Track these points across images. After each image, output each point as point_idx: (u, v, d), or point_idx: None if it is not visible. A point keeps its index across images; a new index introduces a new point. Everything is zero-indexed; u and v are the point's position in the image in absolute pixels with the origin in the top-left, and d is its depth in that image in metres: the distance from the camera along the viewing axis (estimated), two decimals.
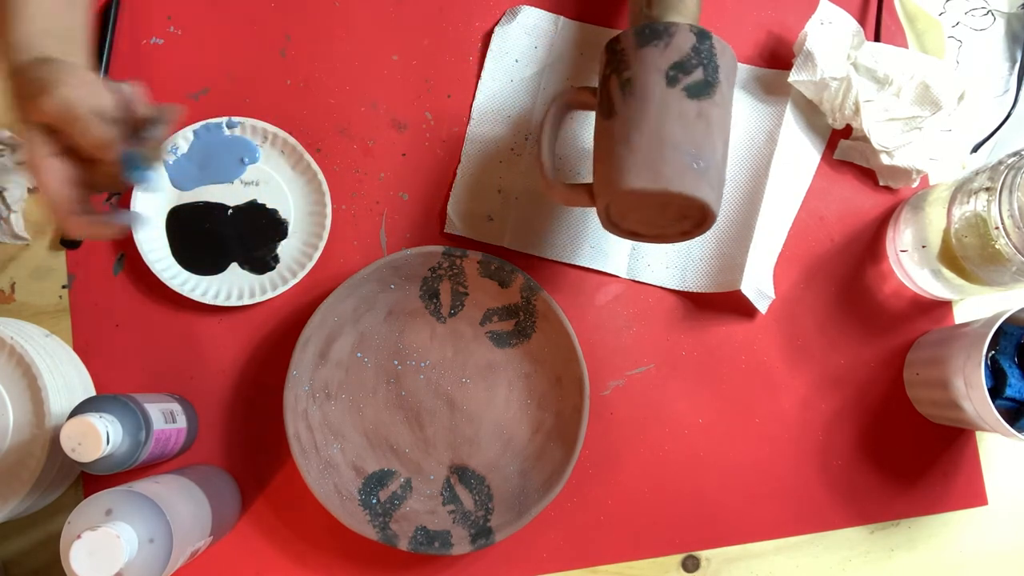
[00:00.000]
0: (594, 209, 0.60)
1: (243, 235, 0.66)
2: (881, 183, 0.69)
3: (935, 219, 0.62)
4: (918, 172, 0.67)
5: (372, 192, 0.68)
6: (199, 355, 0.66)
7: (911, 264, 0.66)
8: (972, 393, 0.59)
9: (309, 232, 0.66)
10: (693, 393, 0.67)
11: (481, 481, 0.65)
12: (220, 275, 0.66)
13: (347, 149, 0.68)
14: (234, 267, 0.66)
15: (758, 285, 0.65)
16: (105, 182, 0.51)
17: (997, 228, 0.56)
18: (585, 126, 0.68)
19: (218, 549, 0.64)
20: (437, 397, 0.66)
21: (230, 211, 0.66)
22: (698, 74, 0.54)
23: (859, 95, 0.65)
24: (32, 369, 0.59)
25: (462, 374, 0.66)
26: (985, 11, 0.71)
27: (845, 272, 0.69)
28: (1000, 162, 0.58)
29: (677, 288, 0.68)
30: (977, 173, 0.59)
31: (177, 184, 0.66)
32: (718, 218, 0.66)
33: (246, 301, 0.65)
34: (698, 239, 0.66)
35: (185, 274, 0.66)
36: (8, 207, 0.65)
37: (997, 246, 0.57)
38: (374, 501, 0.63)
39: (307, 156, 0.66)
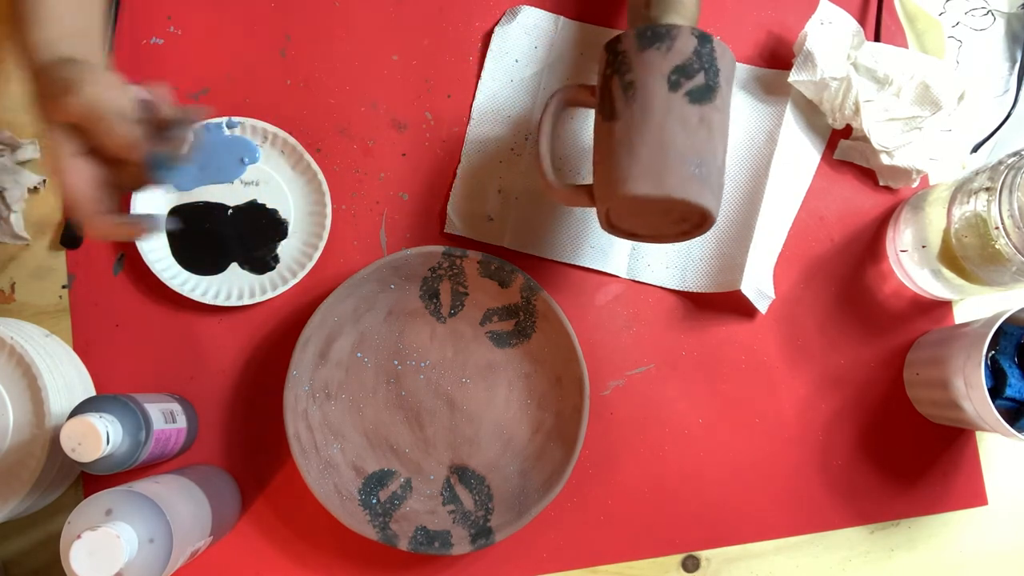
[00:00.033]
0: (594, 209, 0.60)
1: (243, 235, 0.66)
2: (881, 183, 0.69)
3: (935, 219, 0.62)
4: (918, 172, 0.67)
5: (372, 192, 0.68)
6: (199, 355, 0.66)
7: (911, 264, 0.66)
8: (972, 393, 0.59)
9: (309, 232, 0.66)
10: (693, 393, 0.67)
11: (481, 481, 0.65)
12: (220, 275, 0.66)
13: (347, 149, 0.68)
14: (234, 267, 0.66)
15: (758, 285, 0.65)
16: (130, 182, 0.51)
17: (997, 228, 0.56)
18: (586, 124, 0.68)
19: (218, 549, 0.64)
20: (437, 397, 0.66)
21: (230, 211, 0.66)
22: (700, 78, 0.54)
23: (859, 95, 0.65)
24: (32, 369, 0.59)
25: (462, 374, 0.66)
26: (985, 11, 0.71)
27: (845, 272, 0.69)
28: (1000, 162, 0.58)
29: (677, 288, 0.68)
30: (977, 173, 0.59)
31: (177, 184, 0.66)
32: (718, 218, 0.67)
33: (246, 301, 0.65)
34: (698, 239, 0.66)
35: (185, 274, 0.66)
36: (8, 207, 0.65)
37: (997, 246, 0.57)
38: (374, 501, 0.63)
39: (307, 156, 0.66)
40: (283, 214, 0.66)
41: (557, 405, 0.65)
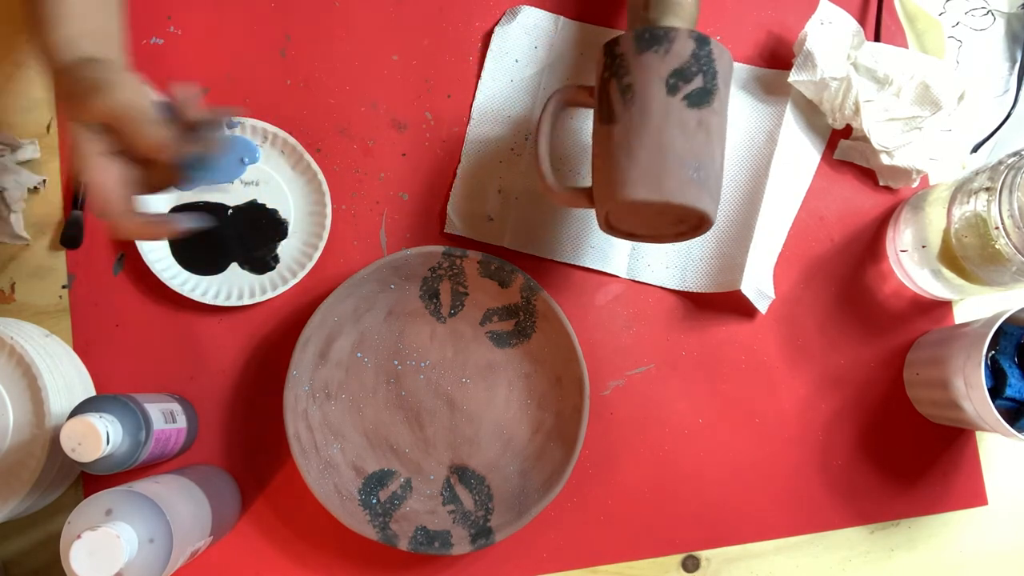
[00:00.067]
0: (593, 210, 0.60)
1: (243, 235, 0.66)
2: (881, 183, 0.69)
3: (935, 219, 0.62)
4: (918, 172, 0.67)
5: (372, 192, 0.68)
6: (199, 355, 0.66)
7: (911, 264, 0.66)
8: (972, 393, 0.59)
9: (309, 232, 0.66)
10: (693, 393, 0.67)
11: (481, 481, 0.65)
12: (220, 275, 0.66)
13: (347, 149, 0.68)
14: (234, 267, 0.66)
15: (758, 285, 0.66)
16: (159, 182, 0.52)
17: (997, 228, 0.56)
18: (586, 123, 0.68)
19: (218, 549, 0.64)
20: (437, 397, 0.66)
21: (230, 211, 0.66)
22: (698, 81, 0.54)
23: (859, 95, 0.65)
24: (32, 369, 0.59)
25: (462, 374, 0.66)
26: (985, 11, 0.71)
27: (845, 272, 0.69)
28: (1000, 162, 0.58)
29: (677, 288, 0.68)
30: (977, 173, 0.59)
31: (177, 184, 0.66)
32: (718, 218, 0.67)
33: (246, 301, 0.65)
34: (698, 239, 0.66)
35: (185, 274, 0.66)
36: (8, 207, 0.65)
37: (997, 246, 0.57)
38: (374, 501, 0.63)
39: (307, 156, 0.66)
40: (283, 214, 0.66)
41: (557, 405, 0.65)
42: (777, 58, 0.70)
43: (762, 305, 0.66)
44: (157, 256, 0.65)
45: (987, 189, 0.57)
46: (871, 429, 0.68)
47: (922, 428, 0.68)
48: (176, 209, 0.66)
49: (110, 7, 0.54)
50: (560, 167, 0.67)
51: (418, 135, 0.69)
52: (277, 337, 0.66)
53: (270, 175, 0.67)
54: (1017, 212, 0.55)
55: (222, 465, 0.65)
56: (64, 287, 0.66)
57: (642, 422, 0.67)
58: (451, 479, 0.65)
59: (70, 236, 0.66)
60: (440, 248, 0.64)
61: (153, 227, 0.52)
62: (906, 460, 0.68)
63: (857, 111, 0.65)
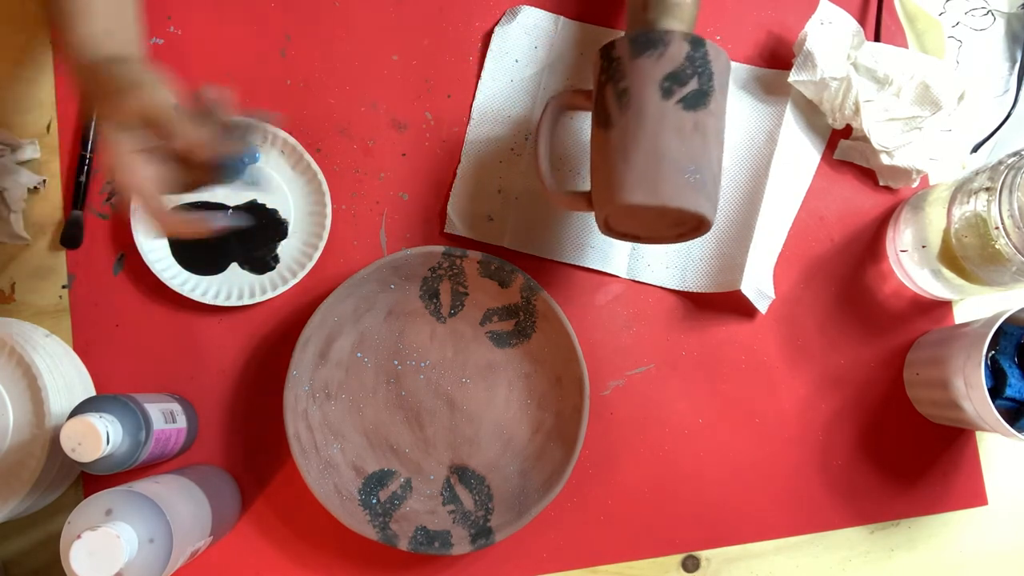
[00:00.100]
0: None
1: (243, 235, 0.66)
2: (881, 183, 0.69)
3: (935, 219, 0.62)
4: (918, 172, 0.67)
5: (372, 192, 0.68)
6: (199, 355, 0.66)
7: (911, 264, 0.66)
8: (972, 393, 0.59)
9: (309, 232, 0.66)
10: (693, 393, 0.67)
11: (481, 481, 0.65)
12: (220, 275, 0.66)
13: (347, 149, 0.68)
14: (234, 267, 0.66)
15: (758, 285, 0.66)
16: (195, 181, 0.52)
17: (997, 228, 0.56)
18: (586, 123, 0.68)
19: (218, 549, 0.64)
20: (437, 397, 0.66)
21: (230, 211, 0.66)
22: (693, 84, 0.55)
23: (859, 95, 0.65)
24: (32, 369, 0.59)
25: (462, 374, 0.66)
26: (985, 11, 0.71)
27: (845, 272, 0.69)
28: (1000, 162, 0.58)
29: (677, 288, 0.68)
30: (977, 173, 0.59)
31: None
32: (718, 218, 0.67)
33: (246, 301, 0.65)
34: (698, 239, 0.66)
35: (185, 274, 0.66)
36: (8, 207, 0.65)
37: (997, 246, 0.57)
38: (374, 501, 0.63)
39: (307, 156, 0.66)
40: (283, 214, 0.66)
41: (557, 405, 0.65)
42: (777, 58, 0.70)
43: (762, 305, 0.66)
44: (157, 256, 0.65)
45: (987, 189, 0.57)
46: (871, 429, 0.68)
47: (922, 428, 0.68)
48: (175, 209, 0.66)
49: (129, 4, 0.54)
50: (560, 167, 0.67)
51: (418, 135, 0.69)
52: (277, 337, 0.66)
53: (270, 175, 0.67)
54: (1017, 212, 0.55)
55: (222, 465, 0.65)
56: (64, 287, 0.66)
57: (642, 422, 0.67)
58: (451, 479, 0.65)
59: (70, 236, 0.66)
60: (440, 248, 0.64)
61: (189, 224, 0.52)
62: (906, 460, 0.68)
63: (857, 111, 0.65)
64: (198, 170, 0.51)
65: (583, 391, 0.63)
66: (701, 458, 0.67)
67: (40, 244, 0.66)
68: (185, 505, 0.54)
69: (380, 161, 0.68)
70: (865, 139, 0.66)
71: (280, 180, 0.67)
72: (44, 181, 0.66)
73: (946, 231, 0.61)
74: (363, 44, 0.69)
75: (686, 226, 0.58)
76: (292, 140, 0.66)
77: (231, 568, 0.65)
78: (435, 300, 0.66)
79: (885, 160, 0.67)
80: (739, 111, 0.68)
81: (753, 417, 0.67)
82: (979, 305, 0.70)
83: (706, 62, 0.55)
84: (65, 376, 0.61)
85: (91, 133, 0.66)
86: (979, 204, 0.58)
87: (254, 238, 0.66)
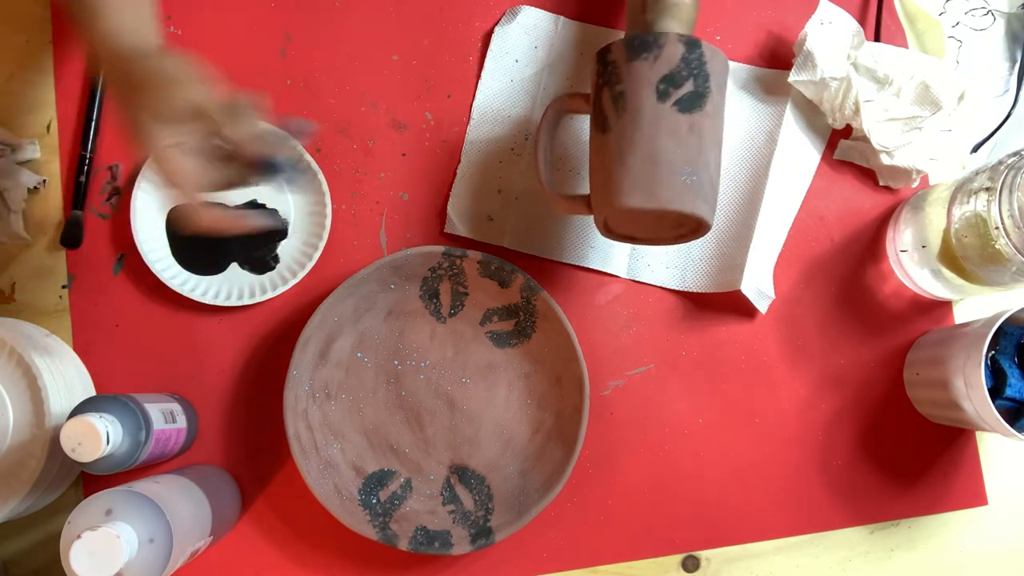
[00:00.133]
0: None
1: (243, 235, 0.66)
2: (881, 183, 0.69)
3: (935, 219, 0.62)
4: (918, 172, 0.67)
5: (372, 192, 0.68)
6: (199, 355, 0.66)
7: (911, 264, 0.66)
8: (972, 393, 0.59)
9: (309, 232, 0.66)
10: (693, 393, 0.67)
11: (481, 481, 0.65)
12: (220, 275, 0.66)
13: (347, 149, 0.68)
14: (234, 267, 0.66)
15: (758, 285, 0.66)
16: (235, 177, 0.52)
17: (997, 228, 0.56)
18: (587, 123, 0.68)
19: (218, 549, 0.64)
20: (437, 397, 0.66)
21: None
22: (688, 86, 0.55)
23: (859, 95, 0.65)
24: (32, 369, 0.59)
25: (462, 374, 0.66)
26: (985, 11, 0.71)
27: (845, 272, 0.69)
28: (1000, 162, 0.58)
29: (677, 288, 0.68)
30: (977, 173, 0.59)
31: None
32: (718, 218, 0.67)
33: (246, 301, 0.65)
34: (698, 239, 0.66)
35: (185, 274, 0.66)
36: (8, 207, 0.65)
37: (997, 246, 0.57)
38: (374, 501, 0.63)
39: (307, 156, 0.66)
40: (283, 214, 0.66)
41: (557, 405, 0.65)
42: (777, 58, 0.70)
43: (762, 305, 0.66)
44: (157, 256, 0.65)
45: (987, 189, 0.57)
46: (871, 429, 0.68)
47: (922, 428, 0.68)
48: (175, 210, 0.66)
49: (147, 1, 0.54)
50: (560, 167, 0.67)
51: (418, 135, 0.69)
52: (277, 337, 0.66)
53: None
54: (1017, 212, 0.55)
55: (222, 465, 0.65)
56: (64, 287, 0.66)
57: (642, 422, 0.67)
58: (451, 479, 0.65)
59: (70, 236, 0.66)
60: (440, 248, 0.64)
61: (226, 221, 0.52)
62: (906, 460, 0.68)
63: (857, 111, 0.65)
64: (240, 167, 0.51)
65: (583, 391, 0.63)
66: (701, 458, 0.67)
67: (40, 244, 0.66)
68: (185, 505, 0.54)
69: (380, 161, 0.68)
70: (865, 139, 0.66)
71: (281, 180, 0.66)
72: (44, 181, 0.66)
73: (946, 231, 0.61)
74: (363, 44, 0.69)
75: (685, 228, 0.58)
76: (292, 140, 0.66)
77: (231, 568, 0.65)
78: (435, 300, 0.66)
79: (885, 160, 0.67)
80: (739, 111, 0.68)
81: (753, 417, 0.67)
82: (979, 305, 0.70)
83: (702, 63, 0.55)
84: (65, 376, 0.61)
85: (91, 134, 0.66)
86: (979, 204, 0.58)
87: (254, 238, 0.66)
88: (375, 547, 0.64)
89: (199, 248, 0.66)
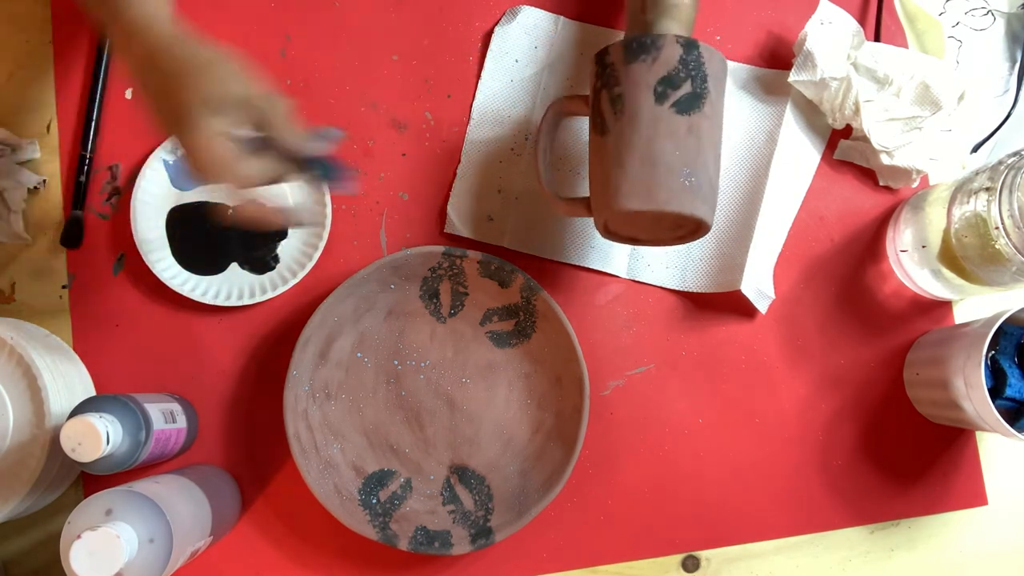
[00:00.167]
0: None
1: (243, 235, 0.66)
2: (881, 183, 0.69)
3: (935, 219, 0.62)
4: (918, 172, 0.67)
5: (372, 192, 0.68)
6: (199, 355, 0.66)
7: (911, 264, 0.66)
8: (972, 393, 0.59)
9: (309, 232, 0.66)
10: (693, 393, 0.67)
11: (481, 481, 0.65)
12: (220, 275, 0.66)
13: (347, 149, 0.68)
14: (234, 267, 0.66)
15: (758, 285, 0.66)
16: (277, 172, 0.51)
17: (997, 228, 0.56)
18: (587, 126, 0.68)
19: (218, 549, 0.64)
20: (437, 397, 0.66)
21: (230, 211, 0.66)
22: (686, 87, 0.55)
23: (859, 95, 0.65)
24: (32, 369, 0.59)
25: (462, 374, 0.66)
26: (985, 11, 0.71)
27: (845, 272, 0.69)
28: (1000, 162, 0.58)
29: (677, 288, 0.68)
30: (977, 173, 0.59)
31: (177, 184, 0.66)
32: (718, 218, 0.67)
33: (246, 301, 0.65)
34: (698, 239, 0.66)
35: (185, 274, 0.66)
36: (8, 207, 0.65)
37: (997, 246, 0.57)
38: (374, 501, 0.63)
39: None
40: None
41: (557, 405, 0.65)
42: (777, 58, 0.70)
43: (762, 305, 0.66)
44: (157, 256, 0.65)
45: (987, 189, 0.57)
46: (871, 429, 0.68)
47: (922, 428, 0.68)
48: (175, 210, 0.66)
49: None
50: (560, 167, 0.67)
51: (418, 135, 0.69)
52: (277, 337, 0.66)
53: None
54: (1017, 212, 0.55)
55: (222, 465, 0.65)
56: (64, 287, 0.66)
57: (642, 422, 0.67)
58: (451, 479, 0.65)
59: (70, 236, 0.66)
60: (440, 248, 0.64)
61: (269, 216, 0.53)
62: (906, 460, 0.68)
63: (857, 111, 0.65)
64: (281, 162, 0.51)
65: (583, 391, 0.63)
66: (701, 458, 0.67)
67: (40, 244, 0.66)
68: (185, 505, 0.54)
69: (380, 161, 0.68)
70: (865, 139, 0.66)
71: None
72: (44, 181, 0.66)
73: (946, 231, 0.61)
74: (363, 44, 0.69)
75: (685, 229, 0.58)
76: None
77: (231, 568, 0.65)
78: (435, 300, 0.66)
79: (885, 160, 0.67)
80: (739, 111, 0.68)
81: (753, 417, 0.67)
82: (979, 305, 0.70)
83: (700, 64, 0.55)
84: (65, 376, 0.61)
85: (91, 134, 0.66)
86: (979, 204, 0.58)
87: (254, 238, 0.66)
88: (375, 547, 0.64)
89: (199, 248, 0.66)
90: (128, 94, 0.68)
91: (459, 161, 0.68)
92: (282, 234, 0.66)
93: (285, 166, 0.52)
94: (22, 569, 0.64)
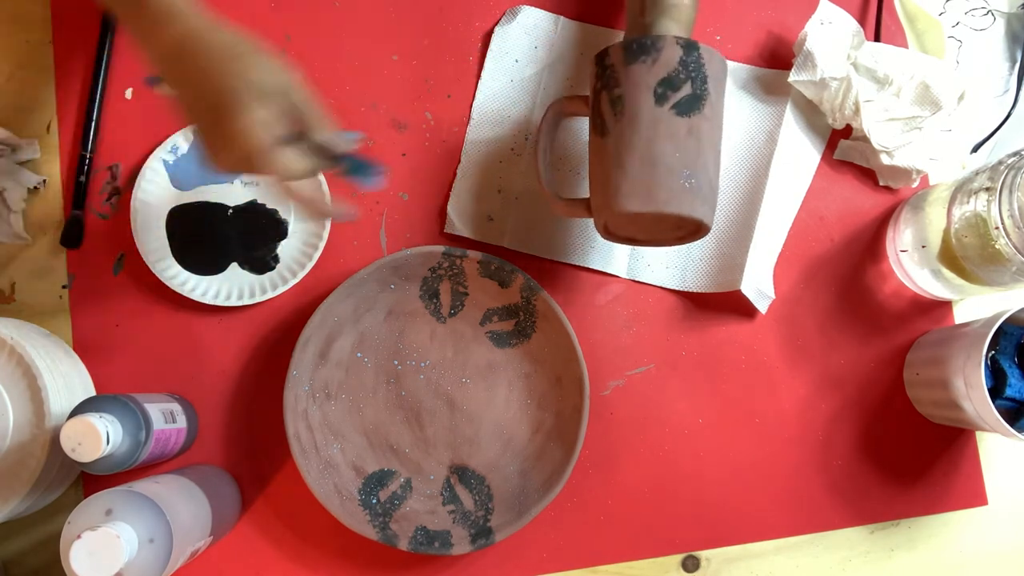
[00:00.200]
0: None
1: (243, 235, 0.66)
2: (881, 183, 0.69)
3: (935, 219, 0.62)
4: (918, 172, 0.67)
5: (372, 192, 0.68)
6: (199, 355, 0.66)
7: (911, 264, 0.66)
8: (972, 393, 0.59)
9: (309, 232, 0.66)
10: (693, 393, 0.67)
11: (481, 481, 0.65)
12: (220, 275, 0.66)
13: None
14: (234, 267, 0.66)
15: (758, 285, 0.66)
16: (312, 165, 0.51)
17: (997, 228, 0.56)
18: (588, 126, 0.68)
19: (218, 549, 0.64)
20: (437, 397, 0.66)
21: (230, 211, 0.66)
22: (686, 89, 0.55)
23: (859, 95, 0.65)
24: (32, 369, 0.59)
25: (462, 374, 0.66)
26: (985, 11, 0.71)
27: (845, 272, 0.69)
28: (1000, 162, 0.58)
29: (677, 288, 0.68)
30: (977, 173, 0.59)
31: (177, 184, 0.66)
32: (718, 218, 0.67)
33: (246, 301, 0.65)
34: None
35: (185, 274, 0.66)
36: (8, 207, 0.65)
37: (997, 246, 0.57)
38: (374, 501, 0.63)
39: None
40: (283, 214, 0.66)
41: (557, 405, 0.65)
42: (777, 58, 0.70)
43: (762, 305, 0.66)
44: (157, 256, 0.65)
45: (987, 189, 0.57)
46: (871, 429, 0.68)
47: (922, 428, 0.68)
48: (175, 209, 0.66)
49: None
50: (560, 168, 0.67)
51: (418, 135, 0.69)
52: (277, 337, 0.66)
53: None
54: (1017, 212, 0.55)
55: (222, 465, 0.65)
56: (64, 287, 0.66)
57: (642, 422, 0.67)
58: (451, 479, 0.65)
59: (70, 236, 0.66)
60: (440, 248, 0.64)
61: (324, 203, 0.54)
62: (906, 460, 0.68)
63: (857, 111, 0.65)
64: (314, 155, 0.51)
65: (583, 391, 0.63)
66: (701, 458, 0.67)
67: (40, 244, 0.66)
68: (185, 505, 0.54)
69: (380, 161, 0.68)
70: (865, 139, 0.66)
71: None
72: (44, 181, 0.66)
73: (946, 231, 0.61)
74: (363, 44, 0.69)
75: (685, 230, 0.58)
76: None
77: (231, 568, 0.65)
78: (435, 300, 0.66)
79: (885, 160, 0.67)
80: (739, 111, 0.68)
81: (753, 417, 0.67)
82: (979, 305, 0.70)
83: (699, 66, 0.55)
84: (65, 376, 0.61)
85: (91, 134, 0.66)
86: (979, 204, 0.58)
87: (254, 238, 0.66)
88: (375, 547, 0.64)
89: (199, 248, 0.66)
90: (128, 94, 0.68)
91: (459, 161, 0.68)
92: (282, 234, 0.66)
93: (319, 161, 0.52)
94: (22, 569, 0.64)
